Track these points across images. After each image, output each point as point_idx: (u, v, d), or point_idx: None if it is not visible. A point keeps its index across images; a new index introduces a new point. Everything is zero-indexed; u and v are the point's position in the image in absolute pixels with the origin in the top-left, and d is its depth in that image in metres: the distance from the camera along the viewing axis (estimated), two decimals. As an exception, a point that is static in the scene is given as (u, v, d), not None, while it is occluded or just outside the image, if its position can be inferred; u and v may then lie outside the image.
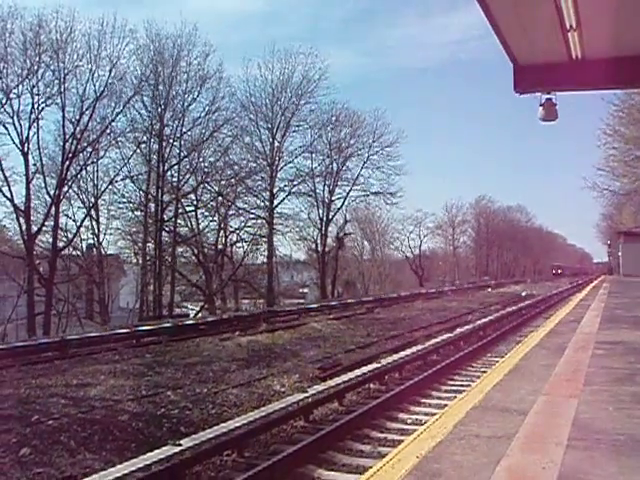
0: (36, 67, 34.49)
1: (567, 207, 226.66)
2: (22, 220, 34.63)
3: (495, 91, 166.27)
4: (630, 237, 58.90)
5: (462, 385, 12.89)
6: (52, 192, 35.89)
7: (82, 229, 39.32)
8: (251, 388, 13.27)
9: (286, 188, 49.66)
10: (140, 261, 42.27)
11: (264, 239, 48.37)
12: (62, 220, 37.53)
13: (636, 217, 58.91)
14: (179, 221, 43.18)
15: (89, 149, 37.71)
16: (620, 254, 63.33)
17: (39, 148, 35.77)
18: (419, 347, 18.21)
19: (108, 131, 38.30)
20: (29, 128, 34.92)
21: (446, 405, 7.96)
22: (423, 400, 12.08)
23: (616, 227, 68.40)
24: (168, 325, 24.60)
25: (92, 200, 39.59)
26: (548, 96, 12.06)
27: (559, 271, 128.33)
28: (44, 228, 35.95)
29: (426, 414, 10.51)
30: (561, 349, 10.11)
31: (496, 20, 9.01)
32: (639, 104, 33.80)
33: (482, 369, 14.63)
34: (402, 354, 16.89)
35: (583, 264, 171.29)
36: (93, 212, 39.90)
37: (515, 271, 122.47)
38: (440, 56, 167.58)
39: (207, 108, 42.23)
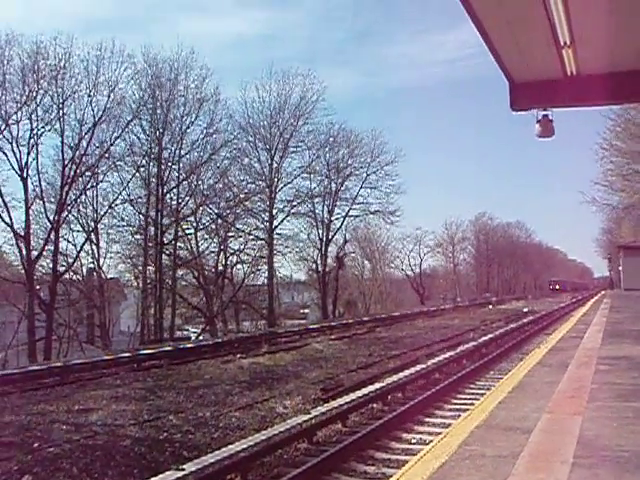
0: (34, 93, 34.75)
1: (566, 222, 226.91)
2: (22, 245, 34.65)
3: (492, 108, 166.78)
4: (630, 251, 58.84)
5: (465, 404, 12.81)
6: (52, 217, 36.00)
7: (82, 253, 39.40)
8: (254, 410, 13.20)
9: (285, 209, 49.94)
10: (140, 284, 42.22)
11: (264, 260, 48.43)
12: (62, 245, 37.62)
13: (636, 231, 58.90)
14: (179, 244, 43.33)
15: (88, 174, 37.87)
16: (621, 268, 63.27)
17: (38, 173, 35.96)
18: (422, 366, 18.15)
19: (107, 155, 38.51)
20: (28, 154, 35.12)
21: (450, 424, 7.91)
22: (427, 419, 12.02)
23: (616, 241, 68.37)
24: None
25: (92, 224, 39.66)
26: (544, 112, 12.12)
27: (557, 287, 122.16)
28: (44, 253, 35.98)
29: (430, 434, 10.45)
30: (564, 365, 10.07)
31: (491, 39, 9.07)
32: (635, 118, 33.93)
33: (485, 387, 14.56)
34: (405, 373, 16.83)
35: (584, 279, 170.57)
36: (93, 236, 39.93)
37: (516, 287, 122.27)
38: (437, 74, 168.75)
39: (205, 131, 42.61)
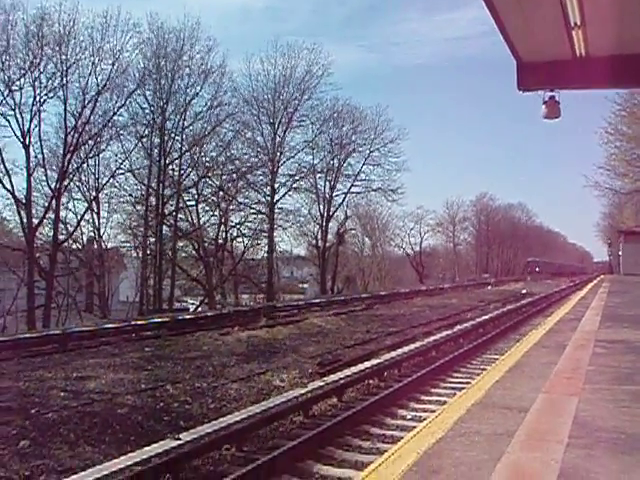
0: (38, 60, 34.58)
1: (568, 206, 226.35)
2: (23, 213, 34.67)
3: (499, 88, 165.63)
4: (631, 236, 58.81)
5: (462, 382, 12.87)
6: (53, 185, 36.00)
7: (83, 222, 39.51)
8: (250, 383, 13.28)
9: (287, 183, 49.93)
10: (140, 255, 42.33)
11: (264, 234, 48.44)
12: (63, 213, 37.72)
13: (637, 216, 58.85)
14: (180, 215, 43.33)
15: (90, 142, 37.81)
16: (620, 253, 63.27)
17: (40, 141, 35.91)
18: (418, 344, 18.22)
19: (110, 124, 38.53)
20: (31, 120, 35.05)
21: (446, 402, 7.96)
22: (422, 397, 12.08)
23: (617, 226, 68.32)
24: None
25: (93, 193, 39.68)
26: (551, 94, 12.06)
27: (537, 269, 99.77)
28: (45, 221, 36.06)
29: (425, 411, 10.51)
30: (561, 347, 10.10)
31: (500, 17, 9.00)
32: (642, 103, 33.77)
33: (482, 366, 14.61)
34: (401, 350, 16.89)
35: (583, 262, 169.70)
36: (94, 205, 39.98)
37: (515, 269, 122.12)
38: (444, 52, 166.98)
39: (209, 103, 42.47)
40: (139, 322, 23.27)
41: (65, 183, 36.78)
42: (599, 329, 12.97)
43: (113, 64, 37.13)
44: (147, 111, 40.58)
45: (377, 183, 55.10)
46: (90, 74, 36.67)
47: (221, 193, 45.07)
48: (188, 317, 26.45)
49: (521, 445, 4.76)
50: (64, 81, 35.72)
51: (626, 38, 9.92)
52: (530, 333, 13.59)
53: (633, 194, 42.12)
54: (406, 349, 17.16)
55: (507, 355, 9.80)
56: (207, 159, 43.94)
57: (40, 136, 35.81)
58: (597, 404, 6.09)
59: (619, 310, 18.27)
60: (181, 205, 42.94)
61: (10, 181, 34.37)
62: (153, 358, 16.10)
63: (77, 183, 39.05)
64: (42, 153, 36.01)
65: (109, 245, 42.36)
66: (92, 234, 40.80)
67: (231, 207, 46.80)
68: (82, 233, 40.37)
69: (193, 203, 44.49)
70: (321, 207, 53.36)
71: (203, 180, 43.83)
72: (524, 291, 51.15)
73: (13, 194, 34.61)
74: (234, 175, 45.16)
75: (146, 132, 40.68)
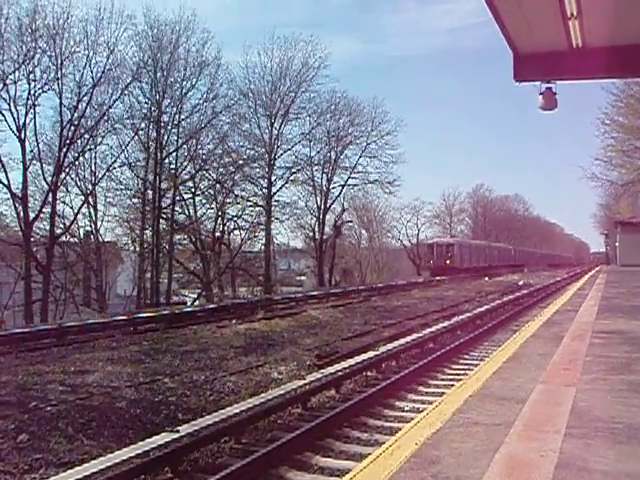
0: (32, 53, 34.39)
1: (565, 197, 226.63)
2: (19, 207, 34.57)
3: (495, 80, 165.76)
4: (627, 227, 58.83)
5: (460, 373, 12.91)
6: (49, 179, 35.85)
7: (79, 216, 39.29)
8: (249, 375, 13.28)
9: (284, 176, 49.87)
10: (137, 248, 42.24)
11: (262, 227, 48.44)
12: (59, 207, 37.50)
13: (633, 207, 58.97)
14: (177, 208, 43.30)
15: (86, 136, 37.65)
16: (617, 244, 63.31)
17: (36, 134, 35.72)
18: (416, 335, 18.22)
19: (106, 118, 38.30)
20: (26, 114, 34.86)
21: (444, 393, 7.97)
22: (420, 388, 12.10)
23: (613, 217, 68.36)
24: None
25: (90, 187, 39.46)
26: (548, 85, 12.06)
27: (447, 262, 65.65)
28: (41, 215, 35.92)
29: (423, 402, 10.54)
30: (559, 338, 10.12)
31: (497, 7, 9.00)
32: (638, 94, 33.79)
33: (479, 357, 14.65)
34: (399, 342, 16.89)
35: (580, 252, 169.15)
36: (90, 199, 39.77)
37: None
38: (440, 43, 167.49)
39: (205, 95, 42.44)
40: (137, 315, 23.26)
41: (61, 177, 36.64)
42: (596, 320, 13.01)
43: (108, 57, 37.06)
44: (143, 104, 40.54)
45: (374, 175, 55.16)
46: (85, 67, 36.59)
47: (218, 186, 45.05)
48: (186, 310, 26.46)
49: (519, 435, 4.77)
50: (59, 74, 35.58)
51: (622, 29, 9.93)
52: (527, 324, 13.62)
53: (629, 185, 42.19)
54: (404, 341, 17.17)
55: (505, 346, 9.82)
56: (204, 152, 43.97)
57: (36, 130, 35.68)
58: (594, 394, 6.11)
59: (616, 301, 18.31)
60: (178, 198, 42.92)
61: (6, 175, 34.32)
62: (151, 351, 16.12)
63: (73, 177, 38.86)
64: (38, 147, 35.92)
65: (106, 239, 42.24)
66: (89, 228, 40.68)
67: (228, 200, 46.85)
68: (79, 227, 40.23)
69: (190, 196, 44.54)
70: (318, 199, 53.41)
71: (200, 173, 43.85)
72: (521, 282, 51.19)
73: (9, 188, 34.52)
74: (231, 168, 45.19)
75: (142, 125, 40.64)
